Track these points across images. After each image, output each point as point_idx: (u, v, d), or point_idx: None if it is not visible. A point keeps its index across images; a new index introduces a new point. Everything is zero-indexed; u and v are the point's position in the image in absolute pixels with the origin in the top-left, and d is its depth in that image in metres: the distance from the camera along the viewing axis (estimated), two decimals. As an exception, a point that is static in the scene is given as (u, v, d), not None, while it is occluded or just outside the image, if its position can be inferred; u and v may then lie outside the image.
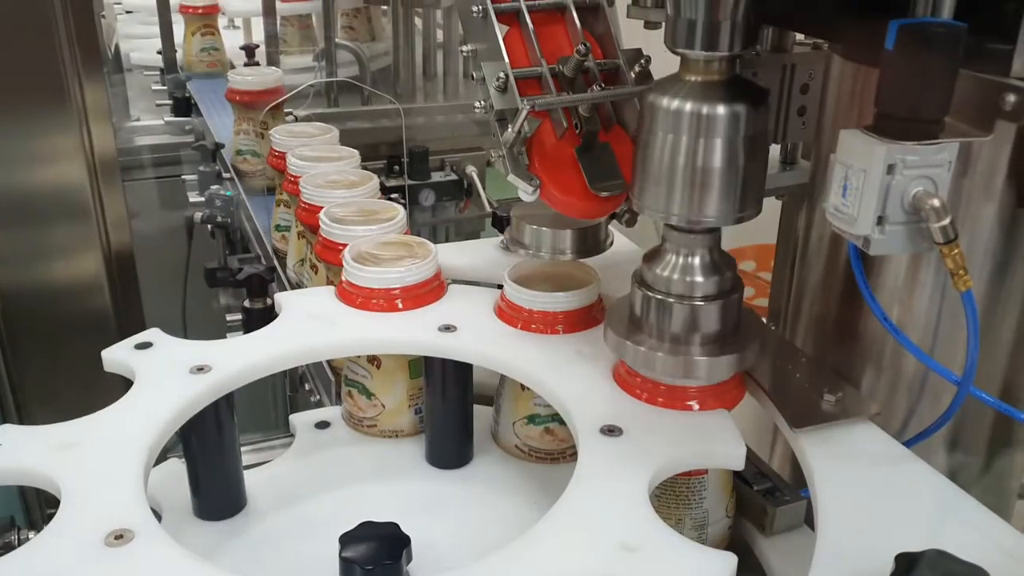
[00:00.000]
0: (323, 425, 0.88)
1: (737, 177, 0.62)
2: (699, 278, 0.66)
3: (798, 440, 0.65)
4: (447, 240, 1.88)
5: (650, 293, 0.67)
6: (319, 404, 1.07)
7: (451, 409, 0.81)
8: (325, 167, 1.14)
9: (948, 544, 0.51)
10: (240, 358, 0.74)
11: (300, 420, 0.88)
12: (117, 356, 0.73)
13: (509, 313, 0.80)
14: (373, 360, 0.84)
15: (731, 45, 0.60)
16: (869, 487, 0.60)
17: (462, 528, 0.76)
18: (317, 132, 1.31)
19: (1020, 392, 0.73)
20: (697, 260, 0.66)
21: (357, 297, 0.82)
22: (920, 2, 0.55)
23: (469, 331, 0.79)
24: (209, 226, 1.55)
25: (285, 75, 2.05)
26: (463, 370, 0.79)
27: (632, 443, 0.63)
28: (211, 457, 0.73)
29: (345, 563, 0.59)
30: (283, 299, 0.84)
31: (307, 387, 1.15)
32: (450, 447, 0.82)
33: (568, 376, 0.72)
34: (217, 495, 0.75)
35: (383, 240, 0.88)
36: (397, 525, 0.62)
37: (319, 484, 0.80)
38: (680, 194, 0.62)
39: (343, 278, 0.84)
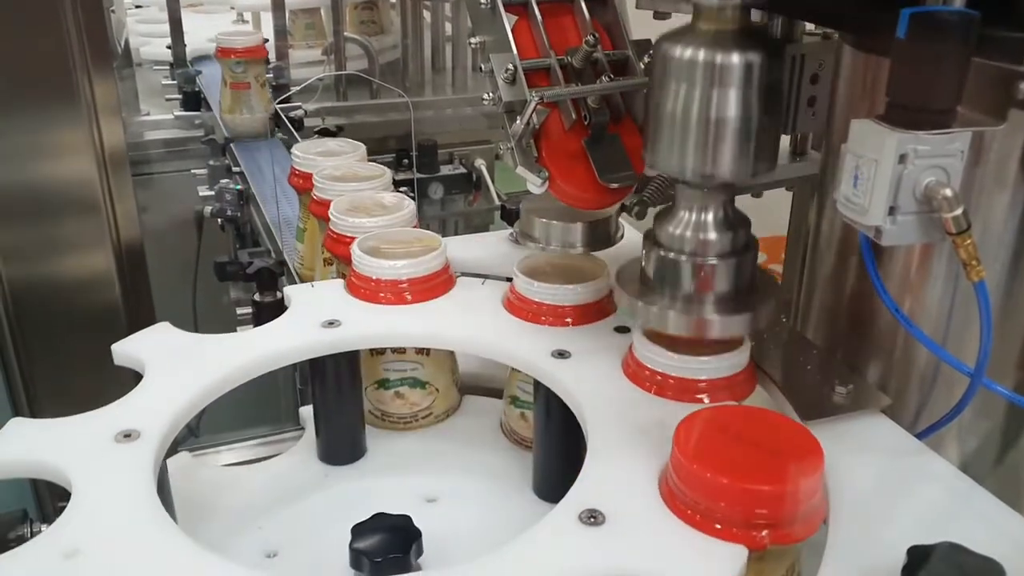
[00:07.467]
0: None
1: (751, 129, 0.61)
2: (712, 235, 0.65)
3: (809, 432, 0.64)
4: (456, 233, 1.88)
5: (663, 252, 0.67)
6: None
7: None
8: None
9: (961, 537, 0.50)
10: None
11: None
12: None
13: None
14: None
15: None
16: (881, 479, 0.60)
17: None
18: (342, 150, 1.16)
19: (1033, 383, 0.72)
20: (710, 217, 0.65)
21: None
22: (932, -11, 0.54)
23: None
24: (219, 220, 1.55)
25: (293, 68, 2.05)
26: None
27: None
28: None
29: (354, 553, 0.59)
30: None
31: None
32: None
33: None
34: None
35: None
36: (410, 518, 0.62)
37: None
38: (693, 148, 0.62)
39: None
